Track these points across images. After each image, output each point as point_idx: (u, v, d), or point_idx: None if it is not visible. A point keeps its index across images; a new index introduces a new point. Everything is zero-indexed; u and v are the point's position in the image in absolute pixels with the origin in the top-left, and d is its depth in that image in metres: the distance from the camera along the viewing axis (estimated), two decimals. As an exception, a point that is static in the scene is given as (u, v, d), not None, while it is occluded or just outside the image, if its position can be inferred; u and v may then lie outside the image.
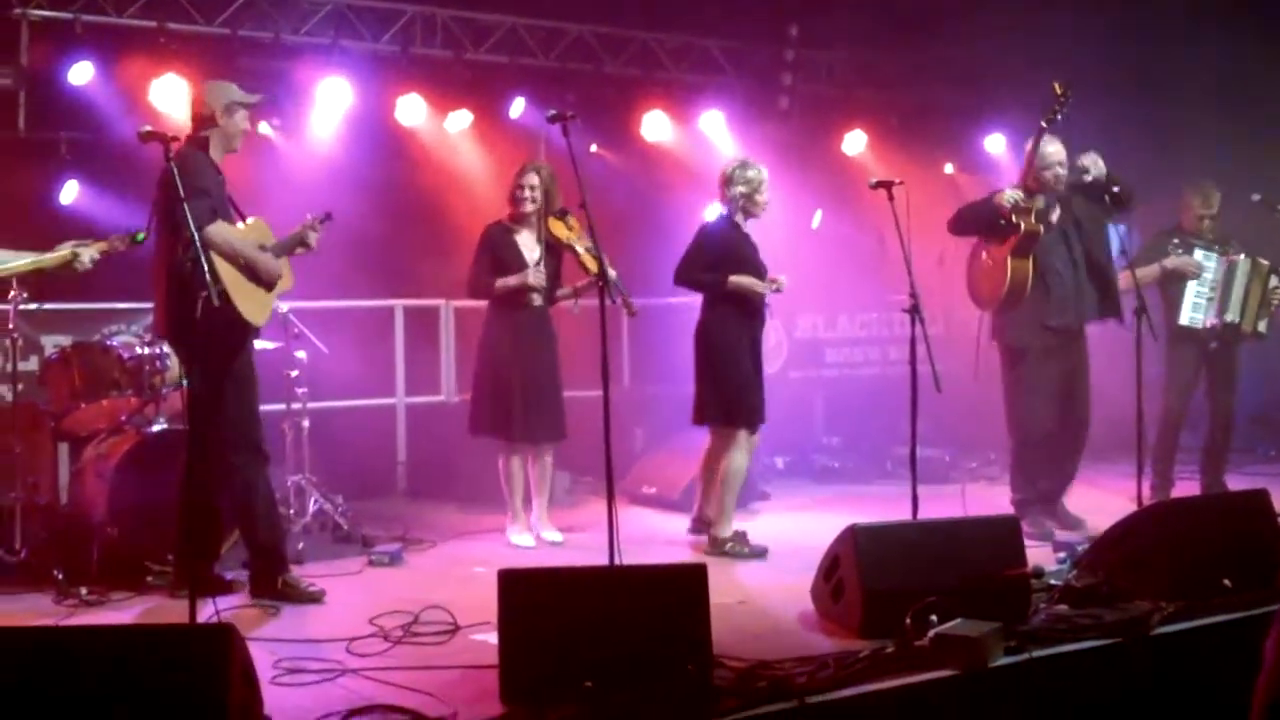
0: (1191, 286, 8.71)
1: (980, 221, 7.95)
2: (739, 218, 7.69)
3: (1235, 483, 8.67)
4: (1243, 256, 8.80)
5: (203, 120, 6.49)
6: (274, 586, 6.47)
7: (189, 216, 5.12)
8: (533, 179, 7.82)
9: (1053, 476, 8.11)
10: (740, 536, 7.61)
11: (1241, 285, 8.77)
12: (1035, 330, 7.91)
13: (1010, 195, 7.75)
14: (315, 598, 6.50)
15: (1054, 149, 7.87)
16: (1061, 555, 6.97)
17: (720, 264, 7.56)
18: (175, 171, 5.26)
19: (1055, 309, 7.89)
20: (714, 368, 7.61)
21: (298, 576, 6.62)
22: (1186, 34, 10.39)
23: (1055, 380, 7.97)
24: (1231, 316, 8.74)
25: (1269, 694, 3.47)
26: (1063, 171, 7.88)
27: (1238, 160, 8.65)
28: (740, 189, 7.62)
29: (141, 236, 5.62)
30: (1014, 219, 7.74)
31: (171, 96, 8.97)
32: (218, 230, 6.19)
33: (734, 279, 7.49)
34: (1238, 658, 5.50)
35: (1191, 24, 10.35)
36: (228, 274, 6.22)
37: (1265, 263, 8.83)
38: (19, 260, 5.33)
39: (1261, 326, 8.88)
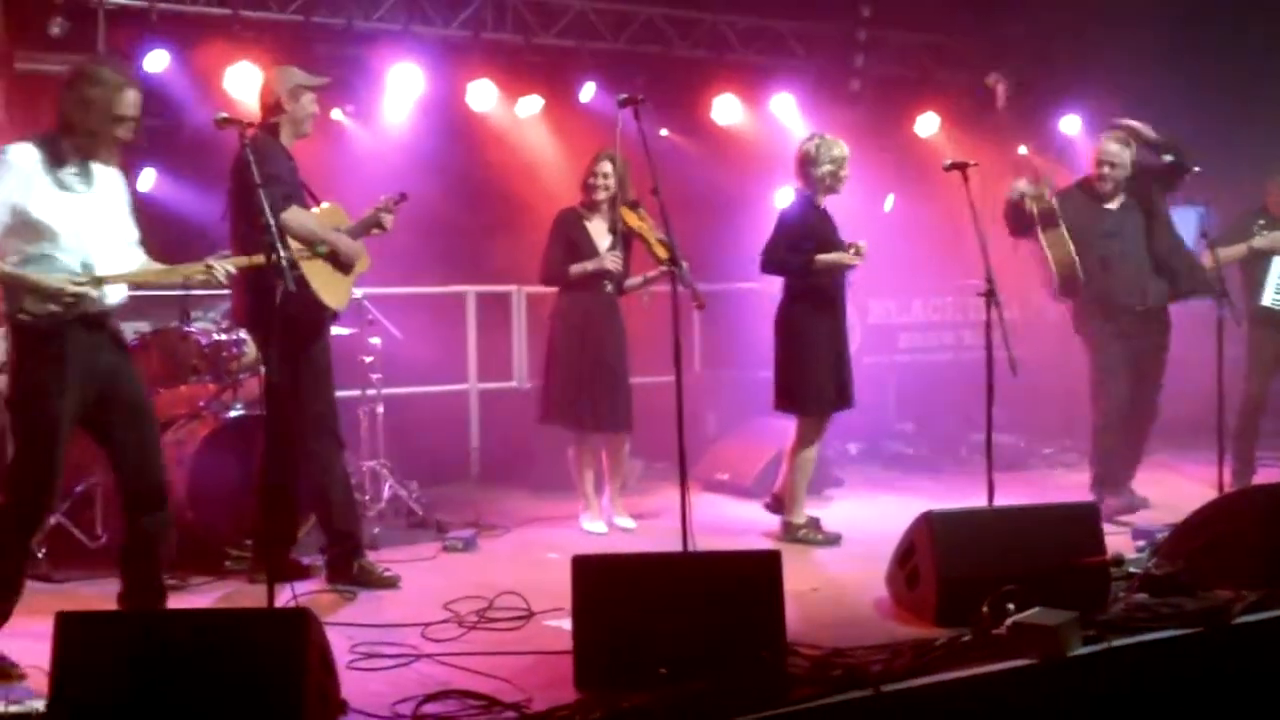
0: (1276, 266, 8.59)
1: (1012, 219, 8.00)
2: (820, 197, 7.61)
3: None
4: None
5: (270, 107, 6.54)
6: (350, 572, 6.51)
7: (264, 203, 5.13)
8: (606, 167, 7.80)
9: (1120, 458, 8.08)
10: (813, 523, 7.58)
11: None
12: (1102, 312, 7.93)
13: (1016, 187, 7.88)
14: (391, 583, 6.54)
15: (1114, 148, 7.95)
16: (1141, 543, 6.88)
17: (805, 245, 7.46)
18: (250, 158, 5.27)
19: (1121, 289, 7.89)
20: (793, 356, 7.55)
21: (373, 562, 6.67)
22: (1268, 7, 10.20)
23: (1128, 361, 7.94)
24: None
25: None
26: (1118, 171, 7.95)
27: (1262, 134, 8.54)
28: (827, 167, 7.52)
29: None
30: (1026, 205, 7.77)
31: (245, 84, 9.02)
32: (293, 215, 6.24)
33: (821, 257, 7.39)
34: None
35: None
36: (307, 260, 6.26)
37: None
38: (149, 268, 5.36)
39: None
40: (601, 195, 7.83)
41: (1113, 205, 8.03)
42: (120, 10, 8.88)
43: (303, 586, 6.06)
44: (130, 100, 5.20)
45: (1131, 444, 8.11)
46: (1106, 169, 7.97)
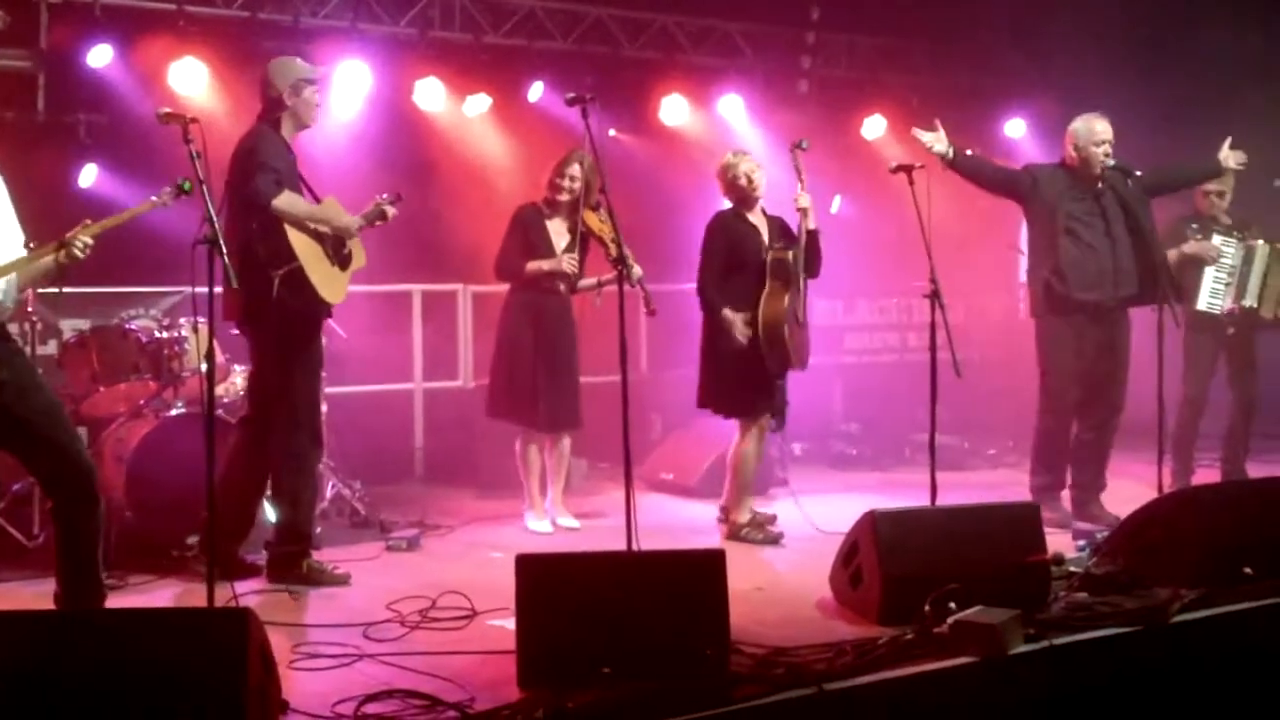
0: (1209, 272, 8.66)
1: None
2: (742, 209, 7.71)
3: (1257, 471, 8.63)
4: (1261, 242, 8.75)
5: (272, 102, 6.51)
6: (296, 570, 6.48)
7: (208, 200, 5.08)
8: (575, 169, 7.77)
9: (1081, 469, 7.97)
10: (755, 522, 7.60)
11: (1260, 271, 8.73)
12: (1064, 304, 7.77)
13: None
14: (342, 580, 6.52)
15: (1101, 126, 7.76)
16: (1081, 543, 6.94)
17: (728, 262, 7.54)
18: (194, 153, 5.17)
19: (1088, 283, 7.73)
20: (717, 358, 7.59)
21: (322, 561, 6.64)
22: (1198, 14, 10.30)
23: (1087, 359, 7.83)
24: (1250, 302, 8.70)
25: None
26: (1109, 149, 7.74)
27: (1254, 142, 8.55)
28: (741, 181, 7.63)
29: (189, 185, 5.43)
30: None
31: (190, 79, 8.98)
32: (284, 200, 6.22)
33: (725, 314, 7.46)
34: (1258, 646, 5.55)
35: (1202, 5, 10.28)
36: (303, 249, 6.23)
37: None
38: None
39: None
40: (566, 196, 7.80)
41: (1093, 189, 7.83)
42: (64, 4, 8.80)
43: (244, 586, 6.02)
44: None
45: (1090, 450, 7.97)
46: (1106, 148, 7.71)
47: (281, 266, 6.16)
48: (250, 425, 6.67)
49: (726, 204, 7.77)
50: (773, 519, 7.73)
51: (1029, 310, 8.15)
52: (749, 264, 7.53)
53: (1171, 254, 8.42)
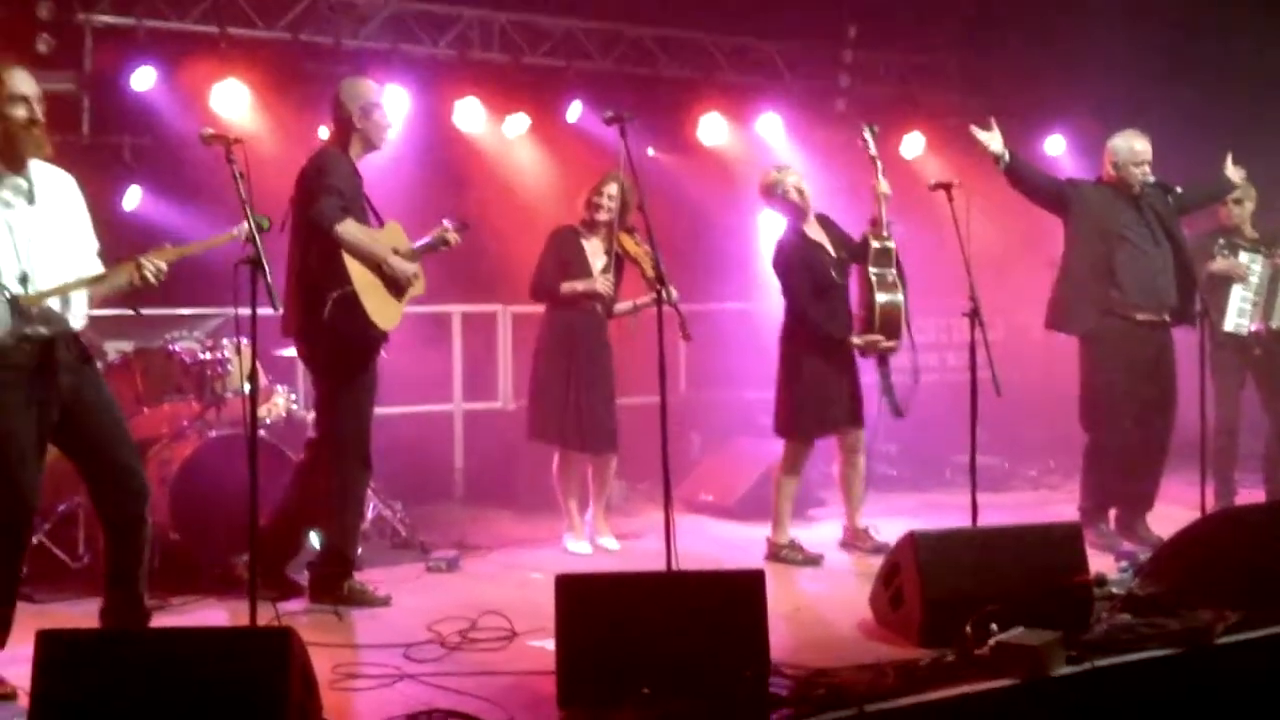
0: (1237, 290, 8.51)
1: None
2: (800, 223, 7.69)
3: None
4: None
5: (342, 123, 6.56)
6: (337, 592, 6.50)
7: (250, 217, 5.10)
8: (613, 189, 7.79)
9: (1130, 485, 7.87)
10: (795, 544, 7.59)
11: None
12: (1110, 315, 7.67)
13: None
14: (383, 601, 6.54)
15: (1141, 145, 7.73)
16: (1124, 564, 6.87)
17: (810, 281, 7.56)
18: (237, 174, 5.20)
19: (1135, 293, 7.64)
20: (781, 379, 7.67)
21: (363, 582, 6.67)
22: (1232, 26, 10.23)
23: (1138, 375, 7.70)
24: (1277, 323, 8.59)
25: None
26: (1149, 168, 7.71)
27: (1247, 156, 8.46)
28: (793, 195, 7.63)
29: (267, 224, 5.49)
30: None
31: (232, 101, 9.06)
32: (345, 229, 6.25)
33: (853, 339, 7.60)
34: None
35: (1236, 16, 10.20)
36: (358, 276, 6.27)
37: None
38: (81, 279, 5.25)
39: None
40: (604, 216, 7.81)
41: (1135, 205, 7.77)
42: (107, 28, 8.89)
43: (285, 607, 6.05)
44: (17, 78, 5.08)
45: (1140, 470, 7.85)
46: (1146, 168, 7.68)
47: (335, 289, 6.20)
48: (314, 447, 6.71)
49: (762, 217, 7.75)
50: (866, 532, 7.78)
51: (1047, 322, 8.02)
52: (825, 287, 7.56)
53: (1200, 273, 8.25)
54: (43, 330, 5.09)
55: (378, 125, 6.60)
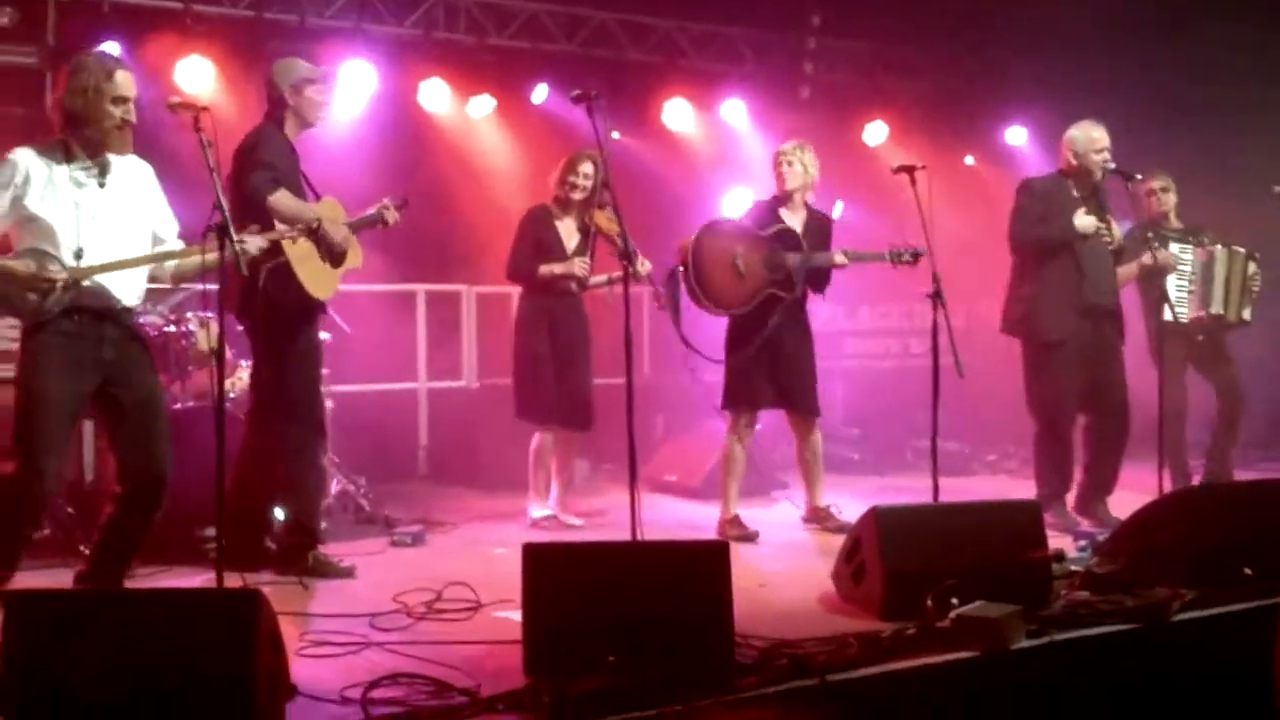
0: (1172, 281, 8.61)
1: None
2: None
3: (1253, 476, 8.63)
4: (1219, 247, 8.77)
5: (275, 101, 6.63)
6: (303, 563, 6.52)
7: (219, 189, 5.12)
8: (588, 167, 7.84)
9: (1088, 470, 8.02)
10: (736, 520, 7.68)
11: (1222, 276, 8.73)
12: (1069, 314, 7.81)
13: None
14: (348, 573, 6.57)
15: (1098, 133, 7.83)
16: (1082, 543, 6.97)
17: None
18: (205, 141, 5.21)
19: (1089, 286, 7.79)
20: (725, 352, 7.80)
21: (327, 553, 6.68)
22: (1199, 18, 10.35)
23: (1085, 365, 7.85)
24: (1216, 309, 8.73)
25: None
26: (1109, 155, 7.80)
27: (1255, 146, 8.56)
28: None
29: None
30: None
31: (197, 77, 9.05)
32: (278, 199, 6.29)
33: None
34: (1257, 645, 5.57)
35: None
36: (291, 246, 6.29)
37: (1241, 250, 8.80)
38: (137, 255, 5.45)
39: (1246, 314, 8.84)
40: (579, 195, 7.85)
41: (1095, 196, 7.89)
42: (72, 1, 8.85)
43: (251, 577, 6.04)
44: (122, 80, 5.32)
45: (1102, 452, 7.99)
46: (1106, 155, 7.78)
47: (269, 260, 6.24)
48: (253, 417, 6.75)
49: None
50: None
51: (1013, 330, 8.12)
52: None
53: (1132, 267, 8.29)
54: (92, 304, 5.28)
55: (310, 102, 6.65)
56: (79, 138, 5.30)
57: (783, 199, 7.85)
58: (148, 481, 5.49)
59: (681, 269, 7.54)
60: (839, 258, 7.76)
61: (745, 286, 7.58)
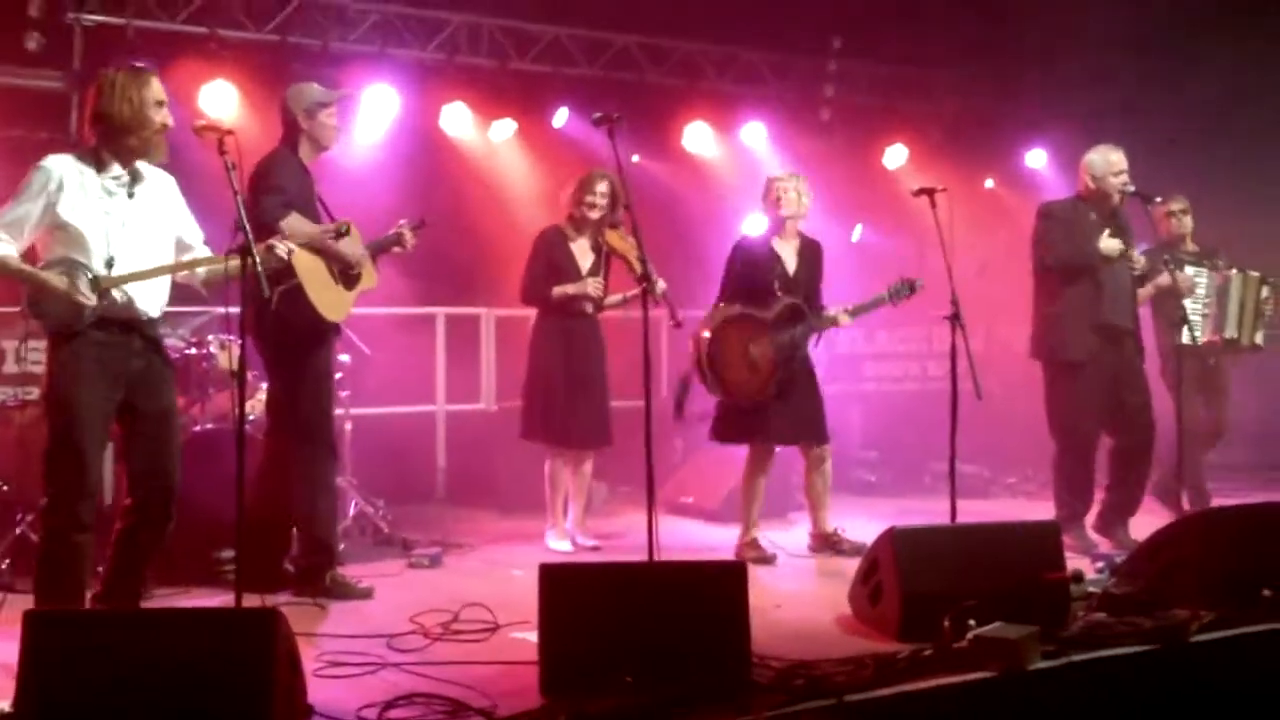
0: (1187, 304, 8.57)
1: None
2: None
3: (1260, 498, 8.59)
4: (1234, 271, 8.79)
5: (289, 126, 6.70)
6: (320, 584, 6.55)
7: (242, 211, 5.17)
8: (604, 186, 7.86)
9: (1110, 491, 8.01)
10: (754, 543, 7.68)
11: (1237, 300, 8.75)
12: (1090, 335, 7.80)
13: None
14: (366, 593, 6.60)
15: (1116, 156, 7.85)
16: (1100, 565, 6.95)
17: (744, 286, 7.73)
18: (229, 164, 5.27)
19: (1108, 306, 7.79)
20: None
21: (345, 574, 6.71)
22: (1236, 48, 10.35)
23: (1108, 386, 7.84)
24: (1230, 333, 8.75)
25: None
26: (1127, 177, 7.82)
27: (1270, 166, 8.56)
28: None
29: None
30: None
31: (221, 101, 9.11)
32: (289, 223, 6.33)
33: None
34: (1276, 666, 5.56)
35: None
36: (304, 269, 6.33)
37: (1255, 274, 8.82)
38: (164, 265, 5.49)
39: (1259, 339, 8.86)
40: (595, 214, 7.86)
41: (1114, 220, 7.90)
42: (97, 27, 8.93)
43: (270, 599, 6.06)
44: (157, 85, 5.37)
45: (1126, 473, 7.95)
46: (1124, 178, 7.80)
47: (281, 283, 6.27)
48: (270, 439, 6.79)
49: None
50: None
51: (1038, 352, 8.08)
52: (761, 296, 7.75)
53: (1149, 289, 8.31)
54: (122, 314, 5.31)
55: (324, 126, 6.71)
56: (117, 146, 5.32)
57: (776, 229, 7.86)
58: (158, 492, 5.46)
59: (697, 370, 7.59)
60: (842, 318, 7.79)
61: (760, 377, 7.61)
